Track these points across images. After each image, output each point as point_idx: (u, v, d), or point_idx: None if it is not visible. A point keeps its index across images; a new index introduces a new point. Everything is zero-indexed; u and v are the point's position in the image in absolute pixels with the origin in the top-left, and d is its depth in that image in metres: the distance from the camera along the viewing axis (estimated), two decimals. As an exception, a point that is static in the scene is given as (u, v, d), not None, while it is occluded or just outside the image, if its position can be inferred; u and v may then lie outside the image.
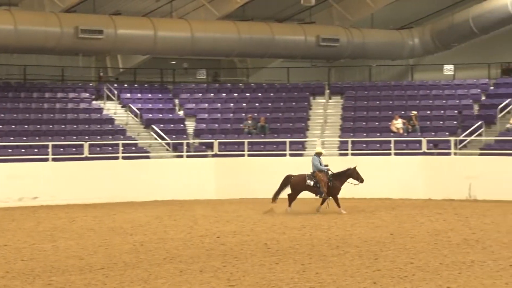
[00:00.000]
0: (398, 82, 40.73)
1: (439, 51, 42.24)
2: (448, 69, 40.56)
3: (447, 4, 40.86)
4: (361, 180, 27.23)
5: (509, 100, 36.20)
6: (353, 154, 34.19)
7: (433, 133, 35.56)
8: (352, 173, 27.24)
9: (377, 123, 37.03)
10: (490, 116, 35.97)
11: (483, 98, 38.03)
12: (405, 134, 35.76)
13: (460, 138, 34.46)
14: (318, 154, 27.49)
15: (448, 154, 33.55)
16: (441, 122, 36.51)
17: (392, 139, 34.42)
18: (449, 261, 16.89)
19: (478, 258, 17.20)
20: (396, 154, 33.62)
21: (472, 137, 34.61)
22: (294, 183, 27.34)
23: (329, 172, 27.22)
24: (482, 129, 34.95)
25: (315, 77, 42.67)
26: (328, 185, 26.94)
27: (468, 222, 24.01)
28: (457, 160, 33.37)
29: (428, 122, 36.58)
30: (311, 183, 27.05)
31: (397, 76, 43.59)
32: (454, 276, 15.21)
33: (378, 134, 36.04)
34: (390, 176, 32.74)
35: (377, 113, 37.85)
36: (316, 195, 27.40)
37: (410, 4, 42.41)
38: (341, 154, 34.96)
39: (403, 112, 36.99)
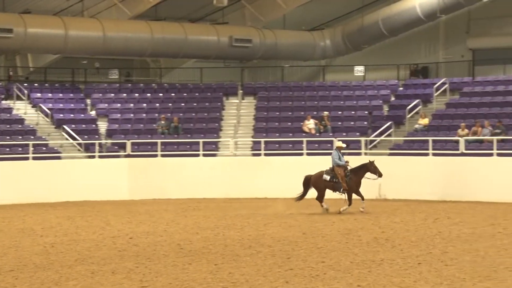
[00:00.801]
0: (310, 83, 41.14)
1: (350, 52, 42.70)
2: (359, 70, 41.14)
3: (358, 6, 41.36)
4: (379, 174, 27.06)
5: (417, 101, 36.99)
6: (266, 154, 34.46)
7: (344, 134, 36.05)
8: (369, 167, 27.02)
9: (289, 124, 37.36)
10: (399, 117, 36.67)
11: (393, 98, 38.73)
12: (317, 134, 36.18)
13: (371, 138, 35.05)
14: (339, 149, 27.34)
15: (359, 154, 34.04)
16: (352, 123, 37.06)
17: (304, 139, 34.77)
18: (359, 259, 17.15)
19: (387, 257, 17.50)
20: (308, 154, 33.97)
21: (382, 137, 35.23)
22: (314, 182, 27.21)
23: (348, 167, 27.04)
24: (391, 130, 35.61)
25: (228, 78, 42.77)
26: (345, 180, 26.81)
27: (378, 221, 24.42)
28: (358, 160, 33.81)
29: (340, 123, 37.08)
30: (327, 177, 26.89)
31: (309, 77, 43.97)
32: (364, 274, 15.45)
33: (290, 134, 36.36)
34: (303, 176, 33.00)
35: (290, 113, 38.18)
36: (334, 191, 27.20)
37: (321, 6, 42.79)
38: (254, 155, 35.18)
39: (315, 113, 37.41)
